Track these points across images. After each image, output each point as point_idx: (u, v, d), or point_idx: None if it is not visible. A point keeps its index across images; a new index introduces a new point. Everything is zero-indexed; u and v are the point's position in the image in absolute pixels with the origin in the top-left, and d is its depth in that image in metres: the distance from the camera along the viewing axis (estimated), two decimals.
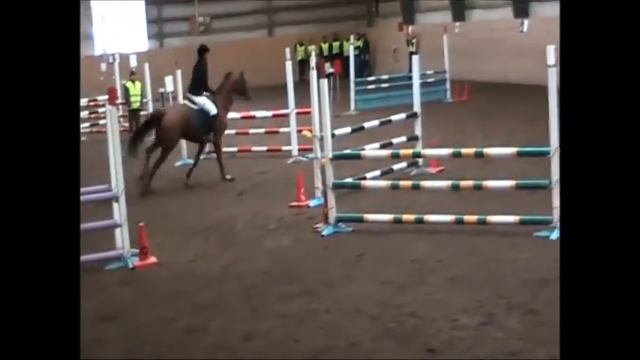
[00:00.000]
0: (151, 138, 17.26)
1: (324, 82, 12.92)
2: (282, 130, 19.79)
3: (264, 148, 20.06)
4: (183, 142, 19.36)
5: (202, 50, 17.36)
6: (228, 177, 17.09)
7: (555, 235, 10.88)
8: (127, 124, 23.64)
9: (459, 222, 11.66)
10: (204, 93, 17.11)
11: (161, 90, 22.44)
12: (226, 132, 17.89)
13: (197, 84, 17.12)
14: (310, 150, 15.97)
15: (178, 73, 20.70)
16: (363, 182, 13.58)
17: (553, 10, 30.01)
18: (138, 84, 23.86)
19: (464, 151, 12.69)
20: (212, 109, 16.96)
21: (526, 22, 31.43)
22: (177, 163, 19.37)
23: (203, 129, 17.01)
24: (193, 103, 17.02)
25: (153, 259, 11.44)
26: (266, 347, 8.26)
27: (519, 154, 12.18)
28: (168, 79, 21.67)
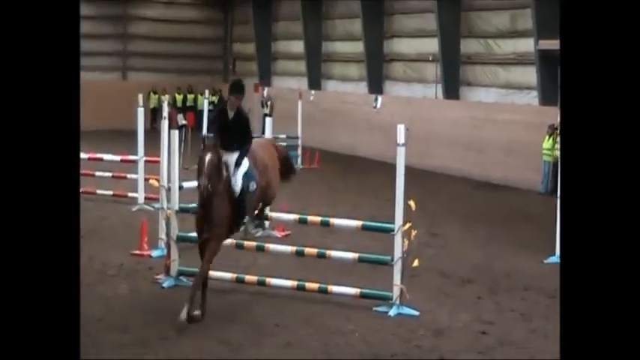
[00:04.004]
0: None
1: (176, 132, 12.85)
2: (129, 176, 19.54)
3: (110, 193, 19.73)
4: None
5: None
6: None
7: (394, 311, 11.10)
8: None
9: (301, 288, 11.73)
10: None
11: None
12: None
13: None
14: (156, 200, 15.79)
15: None
16: None
17: (405, 91, 30.92)
18: None
19: (310, 218, 12.77)
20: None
21: (380, 98, 32.18)
22: None
23: None
24: None
25: None
26: None
27: (364, 228, 12.36)
28: None
